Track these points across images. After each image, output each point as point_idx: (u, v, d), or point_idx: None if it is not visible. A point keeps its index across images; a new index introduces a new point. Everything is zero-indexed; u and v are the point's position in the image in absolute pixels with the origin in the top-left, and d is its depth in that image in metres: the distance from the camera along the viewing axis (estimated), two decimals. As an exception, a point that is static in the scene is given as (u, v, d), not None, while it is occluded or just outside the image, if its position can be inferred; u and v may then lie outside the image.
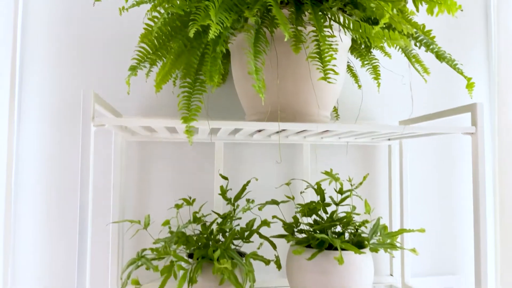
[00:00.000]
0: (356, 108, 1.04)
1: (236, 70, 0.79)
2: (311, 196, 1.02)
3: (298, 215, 0.94)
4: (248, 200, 0.82)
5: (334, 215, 0.85)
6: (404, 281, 1.01)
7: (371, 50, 0.91)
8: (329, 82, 0.59)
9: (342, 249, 0.78)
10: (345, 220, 0.83)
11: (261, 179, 1.02)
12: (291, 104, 0.76)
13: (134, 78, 0.98)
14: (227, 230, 0.81)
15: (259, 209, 0.85)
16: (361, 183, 0.83)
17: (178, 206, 0.79)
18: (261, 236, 0.86)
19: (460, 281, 1.08)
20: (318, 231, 0.83)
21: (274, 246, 0.87)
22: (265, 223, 0.84)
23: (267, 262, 0.83)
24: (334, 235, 0.83)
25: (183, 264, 0.73)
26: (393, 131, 0.75)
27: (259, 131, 0.89)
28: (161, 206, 0.96)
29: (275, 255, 0.90)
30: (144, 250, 0.74)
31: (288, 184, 0.87)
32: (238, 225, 0.87)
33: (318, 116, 0.77)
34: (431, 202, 1.09)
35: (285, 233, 0.93)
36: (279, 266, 0.89)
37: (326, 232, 0.82)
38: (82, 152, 0.64)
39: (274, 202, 0.85)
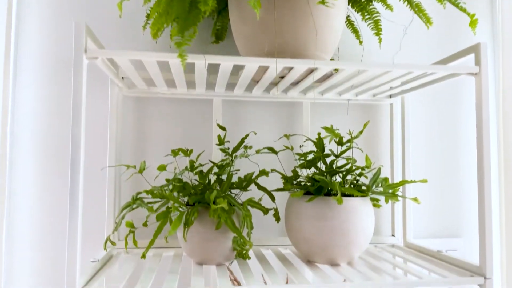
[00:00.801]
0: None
1: (232, 11, 0.77)
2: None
3: (298, 169, 0.92)
4: (246, 147, 0.80)
5: (334, 165, 0.83)
6: (406, 241, 0.99)
7: (372, 1, 0.89)
8: (327, 6, 0.57)
9: (342, 195, 0.77)
10: (344, 168, 0.81)
11: (260, 137, 1.00)
12: (290, 46, 0.74)
13: (131, 34, 0.96)
14: (225, 179, 0.79)
15: (257, 151, 0.83)
16: (361, 132, 0.81)
17: (174, 153, 0.78)
18: (259, 187, 0.85)
19: (463, 243, 1.06)
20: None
21: (272, 198, 0.85)
22: (263, 172, 0.82)
23: (265, 211, 0.81)
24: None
25: (178, 207, 0.72)
26: (405, 71, 0.73)
27: (257, 81, 0.87)
28: (157, 158, 0.95)
29: (274, 208, 0.88)
30: (139, 193, 0.73)
31: (287, 136, 0.86)
32: (236, 173, 0.85)
33: (318, 59, 0.75)
34: (433, 159, 1.07)
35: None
36: (277, 219, 0.87)
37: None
38: (74, 86, 0.62)
39: (272, 150, 0.83)
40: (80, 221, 0.60)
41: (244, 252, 0.77)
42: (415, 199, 0.81)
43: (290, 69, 0.75)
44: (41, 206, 0.92)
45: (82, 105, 0.63)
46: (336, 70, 0.80)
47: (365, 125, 0.81)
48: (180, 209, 0.72)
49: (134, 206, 0.71)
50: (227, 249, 0.76)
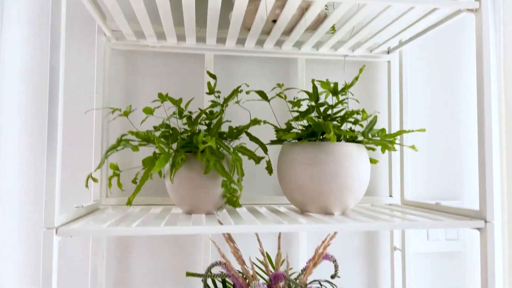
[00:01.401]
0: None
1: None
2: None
3: (292, 123, 0.89)
4: (236, 90, 0.76)
5: (329, 112, 0.80)
6: (404, 200, 0.96)
7: None
8: None
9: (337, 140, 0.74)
10: (339, 115, 0.78)
11: (254, 96, 0.97)
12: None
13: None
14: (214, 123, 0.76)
15: (247, 93, 0.80)
16: (356, 78, 0.78)
17: (162, 98, 0.75)
18: (251, 137, 0.81)
19: (462, 206, 1.03)
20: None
21: (265, 149, 0.82)
22: (255, 121, 0.79)
23: (257, 159, 0.78)
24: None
25: (165, 148, 0.69)
26: (406, 7, 0.70)
27: (249, 29, 0.84)
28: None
29: (266, 160, 0.85)
30: (124, 135, 0.70)
31: (279, 85, 0.82)
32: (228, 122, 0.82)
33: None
34: (432, 116, 1.03)
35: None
36: (270, 171, 0.84)
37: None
38: (53, 22, 0.59)
39: (264, 96, 0.80)
40: (59, 155, 0.57)
41: (234, 199, 0.74)
42: (413, 147, 0.78)
43: (282, 7, 0.72)
44: (28, 161, 0.89)
45: (61, 38, 0.59)
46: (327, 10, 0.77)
47: (360, 70, 0.78)
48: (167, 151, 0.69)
49: (119, 148, 0.68)
50: (217, 197, 0.73)
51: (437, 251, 1.03)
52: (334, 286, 0.81)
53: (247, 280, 0.75)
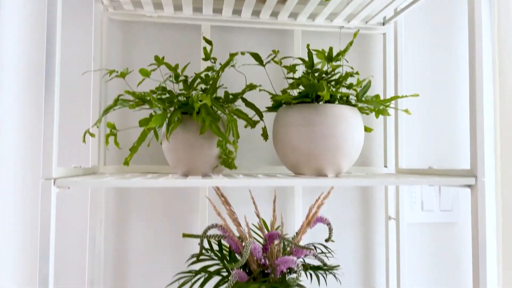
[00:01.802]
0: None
1: None
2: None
3: (288, 91, 0.90)
4: (233, 54, 0.77)
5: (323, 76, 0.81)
6: (398, 169, 0.97)
7: None
8: None
9: (330, 102, 0.75)
10: (333, 78, 0.79)
11: (250, 65, 0.98)
12: None
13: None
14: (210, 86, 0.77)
15: (242, 53, 0.81)
16: (351, 43, 0.79)
17: (159, 62, 0.76)
18: (247, 103, 0.83)
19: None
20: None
21: (260, 115, 0.83)
22: (251, 86, 0.80)
23: (252, 123, 0.79)
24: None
25: (161, 108, 0.70)
26: None
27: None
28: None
29: (262, 127, 0.86)
30: (121, 95, 0.71)
31: (275, 52, 0.83)
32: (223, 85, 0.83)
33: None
34: (427, 87, 1.05)
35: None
36: (265, 137, 0.85)
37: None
38: None
39: (259, 59, 0.81)
40: (57, 106, 0.58)
41: (230, 161, 0.75)
42: (406, 111, 0.79)
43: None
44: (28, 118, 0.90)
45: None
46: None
47: (354, 35, 0.79)
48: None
49: (116, 107, 0.69)
50: (213, 158, 0.74)
51: (431, 222, 1.04)
52: (328, 250, 0.82)
53: (243, 242, 0.76)
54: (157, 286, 0.93)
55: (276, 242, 0.75)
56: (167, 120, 0.70)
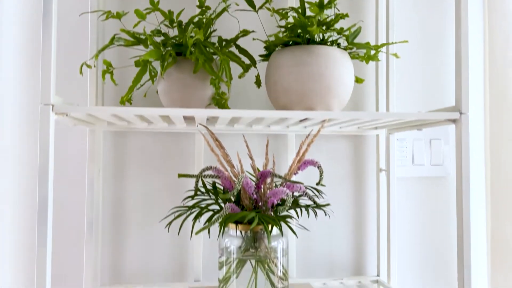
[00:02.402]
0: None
1: None
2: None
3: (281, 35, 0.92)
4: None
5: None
6: (388, 135, 0.99)
7: None
8: None
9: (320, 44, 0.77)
10: (325, 22, 0.81)
11: (244, 13, 0.98)
12: None
13: None
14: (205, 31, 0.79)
15: (236, 4, 0.83)
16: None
17: (154, 6, 0.77)
18: (240, 50, 0.85)
19: (446, 133, 1.07)
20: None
21: (253, 61, 0.85)
22: (244, 32, 0.83)
23: (245, 67, 0.82)
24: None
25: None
26: None
27: None
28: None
29: (255, 75, 0.88)
30: (117, 34, 0.73)
31: (269, 1, 0.85)
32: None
33: None
34: (417, 31, 1.07)
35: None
36: (259, 84, 0.88)
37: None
38: None
39: (250, 2, 0.83)
40: (54, 35, 0.60)
41: (223, 101, 0.77)
42: (395, 55, 0.82)
43: None
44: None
45: None
46: None
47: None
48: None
49: (112, 46, 0.71)
50: (206, 98, 0.77)
51: (422, 176, 1.07)
52: (319, 192, 0.85)
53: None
54: (154, 230, 0.96)
55: (268, 181, 0.78)
56: (161, 58, 0.72)
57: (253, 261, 0.75)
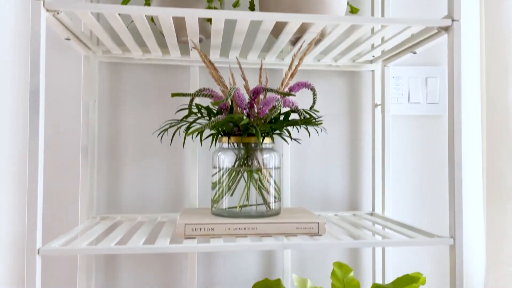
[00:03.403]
0: None
1: None
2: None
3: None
4: None
5: None
6: (383, 69, 0.99)
7: None
8: None
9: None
10: None
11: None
12: None
13: None
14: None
15: None
16: None
17: None
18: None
19: (444, 72, 1.06)
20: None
21: (247, -15, 0.85)
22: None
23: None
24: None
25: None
26: None
27: None
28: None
29: (249, 1, 0.89)
30: None
31: None
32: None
33: None
34: None
35: None
36: (252, 8, 0.88)
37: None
38: None
39: None
40: None
41: None
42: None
43: None
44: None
45: None
46: None
47: None
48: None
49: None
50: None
51: (418, 114, 1.07)
52: (314, 111, 0.84)
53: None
54: (150, 161, 0.97)
55: (261, 97, 0.78)
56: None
57: (245, 175, 0.76)
